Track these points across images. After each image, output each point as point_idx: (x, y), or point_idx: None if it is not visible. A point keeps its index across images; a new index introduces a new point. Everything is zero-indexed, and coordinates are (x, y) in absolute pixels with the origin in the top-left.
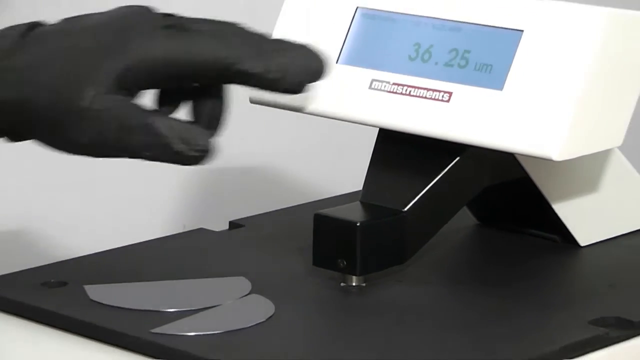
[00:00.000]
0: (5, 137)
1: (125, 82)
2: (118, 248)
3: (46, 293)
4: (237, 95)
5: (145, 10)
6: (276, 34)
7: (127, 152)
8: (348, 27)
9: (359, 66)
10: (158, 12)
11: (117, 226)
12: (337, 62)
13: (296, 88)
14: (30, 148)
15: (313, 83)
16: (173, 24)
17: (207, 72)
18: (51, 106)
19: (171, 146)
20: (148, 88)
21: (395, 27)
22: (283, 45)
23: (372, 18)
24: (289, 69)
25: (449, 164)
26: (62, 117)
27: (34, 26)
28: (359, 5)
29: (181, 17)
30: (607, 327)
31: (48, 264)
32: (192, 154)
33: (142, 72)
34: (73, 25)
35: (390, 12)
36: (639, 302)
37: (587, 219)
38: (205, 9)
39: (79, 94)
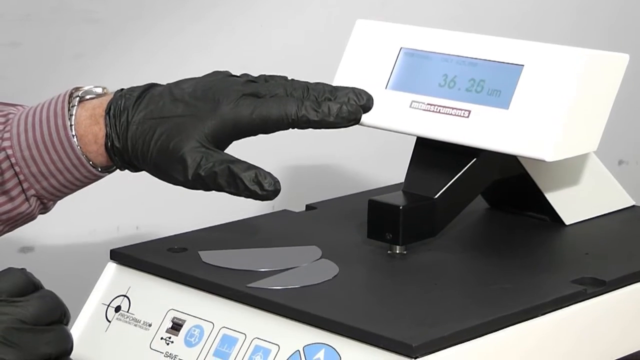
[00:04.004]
0: (126, 169)
1: (215, 138)
2: (224, 223)
3: (171, 256)
4: None
5: (229, 80)
6: (341, 68)
7: (214, 189)
8: (394, 62)
9: (402, 91)
10: (239, 78)
11: (225, 206)
12: (385, 88)
13: (349, 124)
14: None
15: (364, 114)
16: (251, 92)
17: (278, 126)
18: (157, 155)
19: (247, 186)
20: (232, 141)
21: (429, 62)
22: (336, 93)
23: (411, 55)
24: (341, 113)
25: (468, 163)
26: (165, 163)
27: (149, 88)
28: (402, 46)
29: (257, 83)
30: (585, 285)
31: (173, 235)
32: (262, 193)
33: (228, 130)
34: (176, 90)
35: (425, 51)
36: (609, 266)
37: (570, 204)
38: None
39: (179, 147)
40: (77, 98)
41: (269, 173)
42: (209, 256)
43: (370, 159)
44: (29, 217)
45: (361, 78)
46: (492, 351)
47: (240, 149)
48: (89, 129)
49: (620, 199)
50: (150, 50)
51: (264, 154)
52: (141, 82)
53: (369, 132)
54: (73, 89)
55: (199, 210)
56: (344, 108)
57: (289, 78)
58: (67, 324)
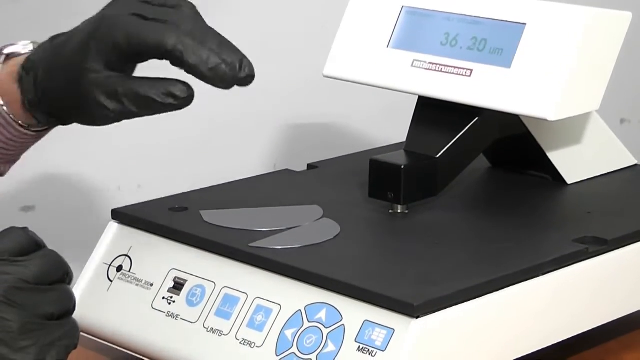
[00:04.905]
0: (55, 124)
1: (108, 61)
2: (225, 183)
3: (173, 216)
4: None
5: (125, 2)
6: (343, 26)
7: (131, 115)
8: (396, 20)
9: (403, 49)
10: (139, 2)
11: (227, 165)
12: (387, 47)
13: (219, 84)
14: None
15: (238, 86)
16: (138, 13)
17: (153, 53)
18: (64, 98)
19: (163, 102)
20: (128, 63)
21: (431, 20)
22: (222, 49)
23: (413, 14)
24: (218, 70)
25: (470, 123)
26: (73, 102)
27: (53, 39)
28: (404, 5)
29: (149, 5)
30: (587, 244)
31: (174, 195)
32: (178, 102)
33: (111, 51)
34: (79, 27)
35: (427, 9)
36: (611, 225)
37: (572, 163)
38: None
39: (82, 81)
40: (3, 56)
41: (177, 80)
42: (211, 215)
43: (371, 118)
44: None
45: (363, 37)
46: (493, 310)
47: (241, 110)
48: (10, 87)
49: (623, 158)
50: None
51: (265, 113)
52: None
53: (371, 91)
54: (4, 46)
55: (201, 170)
56: (222, 67)
57: (195, 9)
58: (69, 284)
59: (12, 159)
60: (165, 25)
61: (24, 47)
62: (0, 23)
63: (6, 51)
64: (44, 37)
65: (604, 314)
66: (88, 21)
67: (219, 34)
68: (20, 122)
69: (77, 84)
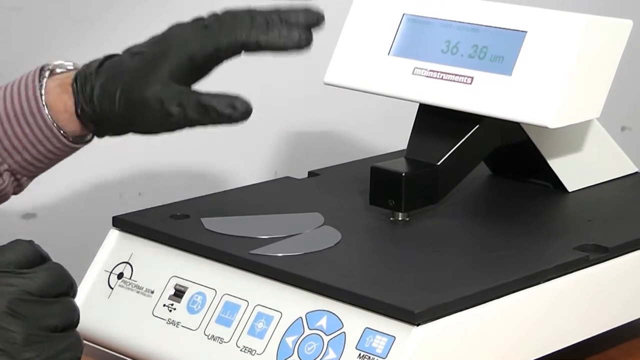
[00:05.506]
0: (108, 136)
1: (176, 78)
2: (226, 190)
3: (173, 223)
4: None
5: (182, 23)
6: (344, 34)
7: (188, 125)
8: (397, 28)
9: (404, 57)
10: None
11: (228, 173)
12: (388, 54)
13: (301, 48)
14: None
15: (317, 28)
16: (200, 26)
17: (231, 53)
18: (124, 109)
19: (222, 112)
20: (195, 78)
21: (432, 28)
22: (286, 15)
23: (414, 21)
24: (290, 35)
25: (471, 130)
26: (133, 114)
27: (111, 56)
28: (405, 12)
29: (205, 18)
30: (587, 252)
31: (175, 202)
32: (237, 115)
33: (185, 67)
34: (133, 47)
35: (428, 17)
36: (612, 233)
37: (572, 171)
38: None
39: (141, 94)
40: (48, 71)
41: (236, 95)
42: (212, 223)
43: (373, 125)
44: (2, 195)
45: (364, 44)
46: (494, 318)
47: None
48: (58, 97)
49: (623, 166)
50: (152, 13)
51: (265, 121)
52: None
53: (372, 98)
54: (45, 64)
55: (202, 177)
56: (294, 32)
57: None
58: (74, 297)
59: (37, 174)
60: (228, 26)
61: (66, 63)
62: (1, 31)
63: (51, 66)
64: (45, 44)
65: (604, 322)
66: (149, 42)
67: (273, 8)
68: (63, 131)
69: (137, 95)
